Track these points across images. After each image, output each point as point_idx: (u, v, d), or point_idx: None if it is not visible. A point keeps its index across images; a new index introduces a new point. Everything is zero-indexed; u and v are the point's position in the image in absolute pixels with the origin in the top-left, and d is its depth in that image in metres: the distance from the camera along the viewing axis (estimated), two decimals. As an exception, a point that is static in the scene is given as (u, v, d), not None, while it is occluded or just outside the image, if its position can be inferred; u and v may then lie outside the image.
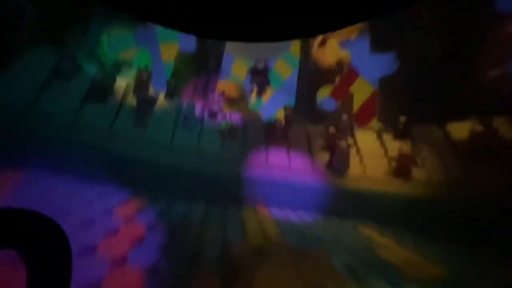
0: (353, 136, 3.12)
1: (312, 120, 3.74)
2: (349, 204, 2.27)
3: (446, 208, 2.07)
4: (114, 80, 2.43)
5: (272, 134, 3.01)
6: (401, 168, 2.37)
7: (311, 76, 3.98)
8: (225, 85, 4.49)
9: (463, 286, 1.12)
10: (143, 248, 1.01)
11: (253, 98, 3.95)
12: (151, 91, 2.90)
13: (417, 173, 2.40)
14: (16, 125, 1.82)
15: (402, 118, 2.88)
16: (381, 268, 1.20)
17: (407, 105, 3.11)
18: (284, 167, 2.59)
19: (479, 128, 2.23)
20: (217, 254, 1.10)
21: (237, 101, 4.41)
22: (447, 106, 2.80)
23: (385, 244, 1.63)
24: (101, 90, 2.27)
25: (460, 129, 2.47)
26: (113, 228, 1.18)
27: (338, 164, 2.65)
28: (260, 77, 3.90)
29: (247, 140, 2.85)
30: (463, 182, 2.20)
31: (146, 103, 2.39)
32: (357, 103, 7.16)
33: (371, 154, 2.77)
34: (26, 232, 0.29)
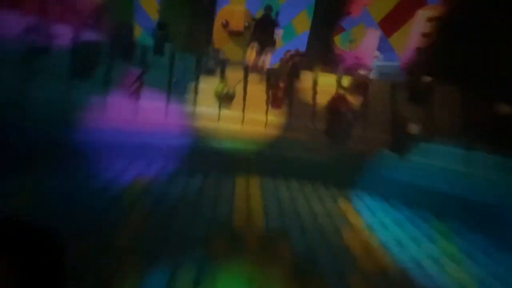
0: (366, 97, 2.81)
1: (324, 67, 3.27)
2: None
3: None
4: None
5: (274, 95, 2.79)
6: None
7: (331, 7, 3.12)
8: (227, 12, 3.74)
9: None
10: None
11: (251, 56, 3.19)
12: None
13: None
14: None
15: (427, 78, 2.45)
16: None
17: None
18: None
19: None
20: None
21: (241, 33, 3.79)
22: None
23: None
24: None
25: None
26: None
27: (337, 134, 2.57)
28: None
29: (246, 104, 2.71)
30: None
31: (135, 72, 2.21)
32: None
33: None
34: (20, 242, 0.28)
